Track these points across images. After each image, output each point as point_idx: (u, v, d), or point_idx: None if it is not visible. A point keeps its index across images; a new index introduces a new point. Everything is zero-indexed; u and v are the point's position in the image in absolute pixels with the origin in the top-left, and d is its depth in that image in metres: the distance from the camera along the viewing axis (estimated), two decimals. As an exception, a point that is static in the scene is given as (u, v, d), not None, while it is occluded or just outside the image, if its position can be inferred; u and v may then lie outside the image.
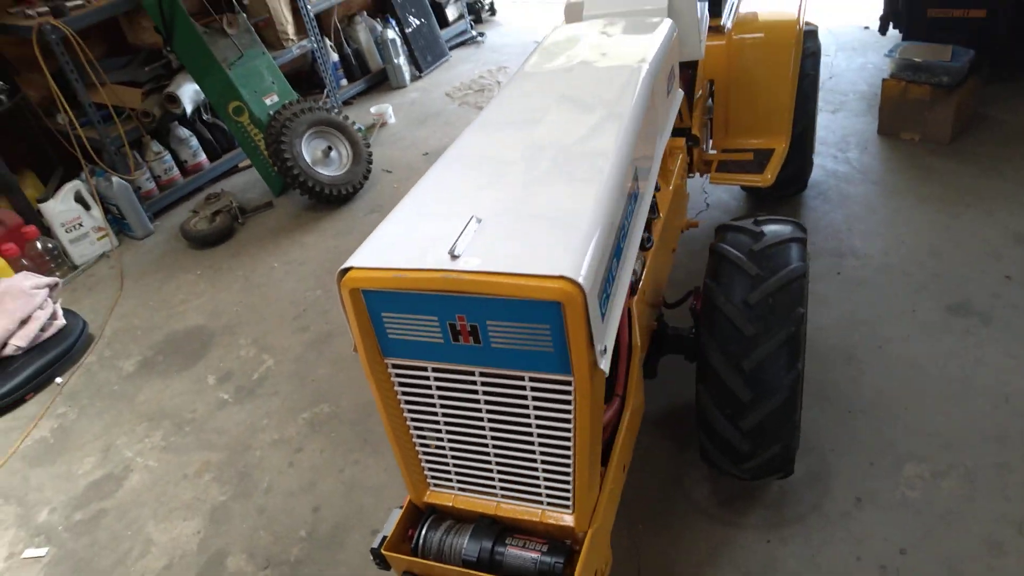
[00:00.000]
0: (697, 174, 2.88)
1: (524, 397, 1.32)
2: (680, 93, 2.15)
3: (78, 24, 3.90)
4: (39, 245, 3.96)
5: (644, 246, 1.87)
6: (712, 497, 2.16)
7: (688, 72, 2.54)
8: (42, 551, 2.45)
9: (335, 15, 5.49)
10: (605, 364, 1.25)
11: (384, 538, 1.51)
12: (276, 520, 2.36)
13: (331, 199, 4.13)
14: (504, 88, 1.87)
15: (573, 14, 2.41)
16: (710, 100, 2.86)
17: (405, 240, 1.33)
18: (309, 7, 5.05)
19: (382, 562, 1.50)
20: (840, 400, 2.37)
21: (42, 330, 3.28)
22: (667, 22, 2.04)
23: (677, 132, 2.59)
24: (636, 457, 2.28)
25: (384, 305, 1.29)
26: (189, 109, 4.43)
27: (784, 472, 1.95)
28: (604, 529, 1.52)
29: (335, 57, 5.54)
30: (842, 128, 3.91)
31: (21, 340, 3.21)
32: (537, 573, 1.41)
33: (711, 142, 2.96)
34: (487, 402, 1.36)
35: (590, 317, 1.18)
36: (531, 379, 1.29)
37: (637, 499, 2.18)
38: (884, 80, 3.65)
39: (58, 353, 3.28)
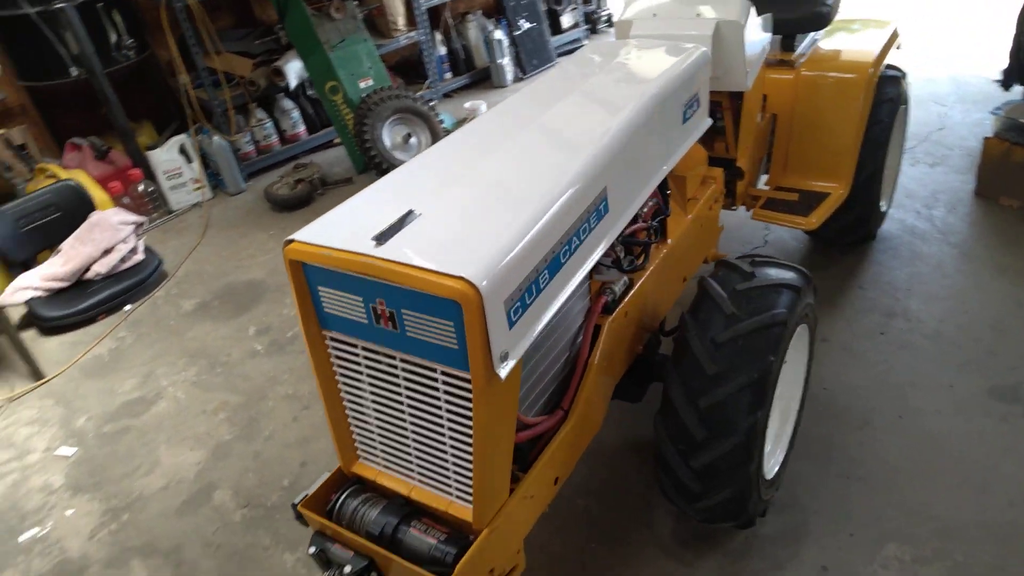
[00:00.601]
0: (743, 207, 2.79)
1: (437, 388, 1.36)
2: (705, 122, 2.09)
3: (197, -6, 4.26)
4: (140, 187, 4.36)
5: (624, 267, 1.85)
6: (675, 533, 2.10)
7: (736, 102, 2.47)
8: (71, 451, 2.73)
9: (447, 11, 5.67)
10: (503, 370, 1.27)
11: (305, 496, 1.59)
12: (267, 466, 2.51)
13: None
14: (511, 96, 1.91)
15: (622, 31, 2.40)
16: (771, 135, 2.77)
17: (348, 223, 1.39)
18: (422, 1, 5.25)
19: (299, 517, 1.58)
20: (841, 462, 2.23)
21: (122, 261, 3.63)
22: (699, 50, 2.00)
23: (717, 162, 2.53)
24: (608, 479, 2.27)
25: (320, 279, 1.37)
26: (293, 83, 4.73)
27: (739, 521, 1.88)
28: (509, 532, 1.52)
29: (443, 51, 5.73)
30: (936, 183, 3.65)
31: (102, 267, 3.56)
32: (429, 558, 1.44)
33: (766, 177, 2.85)
34: (407, 387, 1.41)
35: (488, 321, 1.21)
36: (442, 372, 1.32)
37: (601, 520, 2.15)
38: (986, 139, 3.38)
39: (131, 284, 3.61)
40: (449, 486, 1.48)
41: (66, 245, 3.61)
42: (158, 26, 4.48)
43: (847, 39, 2.84)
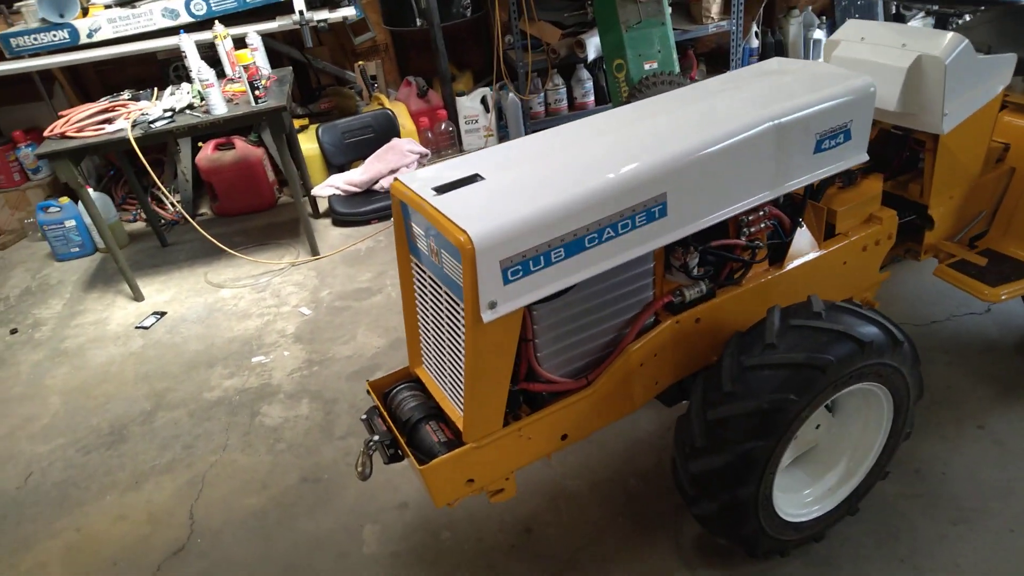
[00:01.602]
0: (931, 257, 2.51)
1: (455, 316, 1.69)
2: (856, 157, 1.98)
3: (532, -33, 4.83)
4: (443, 126, 5.19)
5: (694, 273, 1.93)
6: (698, 538, 2.15)
7: (934, 143, 2.25)
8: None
9: (762, 4, 5.53)
10: (487, 315, 1.54)
11: (378, 378, 2.05)
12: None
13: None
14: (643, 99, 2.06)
15: (829, 51, 2.34)
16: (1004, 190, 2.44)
17: (437, 175, 1.75)
18: (742, -8, 5.23)
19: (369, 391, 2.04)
20: (905, 547, 2.04)
21: (401, 182, 4.45)
22: (862, 80, 1.92)
23: (910, 206, 2.35)
24: (642, 476, 2.37)
25: (408, 214, 1.77)
26: (591, 56, 5.14)
27: (743, 546, 1.90)
28: (496, 456, 1.79)
29: (755, 44, 5.64)
30: None
31: (386, 183, 4.42)
32: (427, 451, 1.80)
33: (985, 236, 2.52)
34: (444, 312, 1.76)
35: (479, 271, 1.49)
36: (458, 303, 1.65)
37: (638, 499, 2.29)
38: None
39: (402, 202, 4.42)
40: (459, 401, 1.81)
41: (368, 160, 4.53)
42: (496, -10, 5.22)
43: None
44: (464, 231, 1.48)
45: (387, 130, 4.73)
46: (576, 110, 5.46)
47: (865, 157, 2.03)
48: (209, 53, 4.09)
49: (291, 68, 4.50)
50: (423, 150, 4.64)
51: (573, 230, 1.60)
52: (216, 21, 4.08)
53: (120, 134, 3.51)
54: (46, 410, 3.20)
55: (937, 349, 2.71)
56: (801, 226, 2.12)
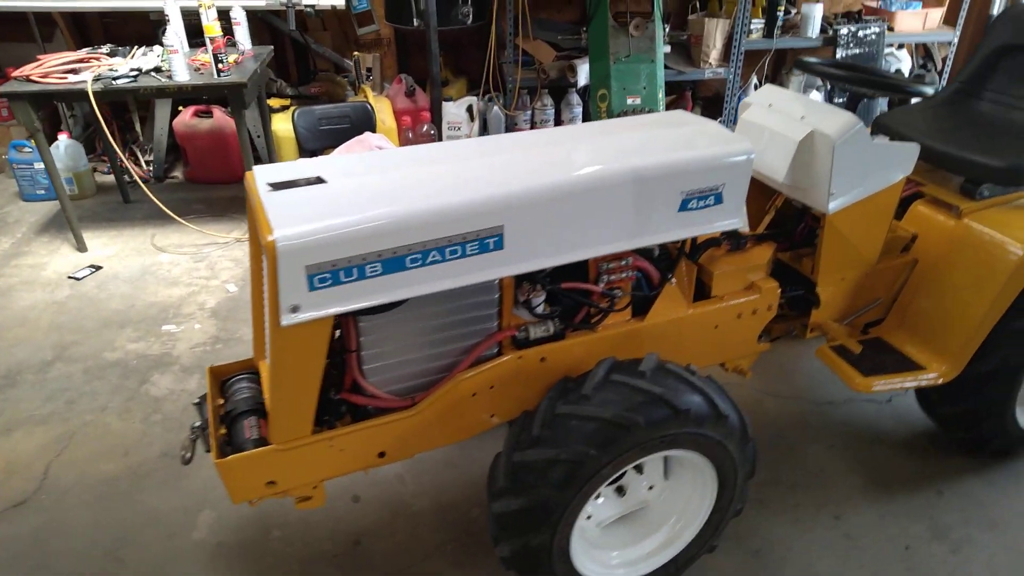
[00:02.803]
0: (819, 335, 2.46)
1: (275, 316, 1.68)
2: (727, 222, 1.94)
3: (532, -15, 4.85)
4: (424, 128, 5.20)
5: (536, 311, 1.91)
6: None
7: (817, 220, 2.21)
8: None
9: (768, 58, 5.49)
10: (286, 319, 1.53)
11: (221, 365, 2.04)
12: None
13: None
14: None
15: (742, 110, 2.31)
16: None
17: (289, 171, 1.72)
18: (743, 43, 5.20)
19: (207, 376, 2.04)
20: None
21: (363, 177, 4.46)
22: (741, 145, 1.88)
23: (791, 276, 2.31)
24: (486, 506, 2.34)
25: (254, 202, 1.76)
26: (581, 83, 5.12)
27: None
28: (302, 463, 1.77)
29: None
30: None
31: (348, 175, 4.43)
32: (237, 446, 1.78)
33: (880, 324, 2.46)
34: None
35: (280, 274, 1.48)
36: (272, 301, 1.64)
37: (460, 539, 2.26)
38: None
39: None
40: (275, 401, 1.80)
41: (337, 150, 4.54)
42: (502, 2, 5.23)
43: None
44: (272, 230, 1.47)
45: (363, 122, 4.73)
46: (561, 133, 5.44)
47: (739, 223, 1.99)
48: (194, 21, 4.13)
49: (272, 48, 4.54)
50: (391, 147, 4.64)
51: (392, 247, 1.58)
52: (204, -9, 4.11)
53: (80, 86, 3.56)
54: (-46, 343, 3.24)
55: (824, 431, 2.65)
56: (670, 282, 2.08)
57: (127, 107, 5.48)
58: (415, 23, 5.09)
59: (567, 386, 1.78)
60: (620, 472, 1.76)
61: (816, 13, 5.24)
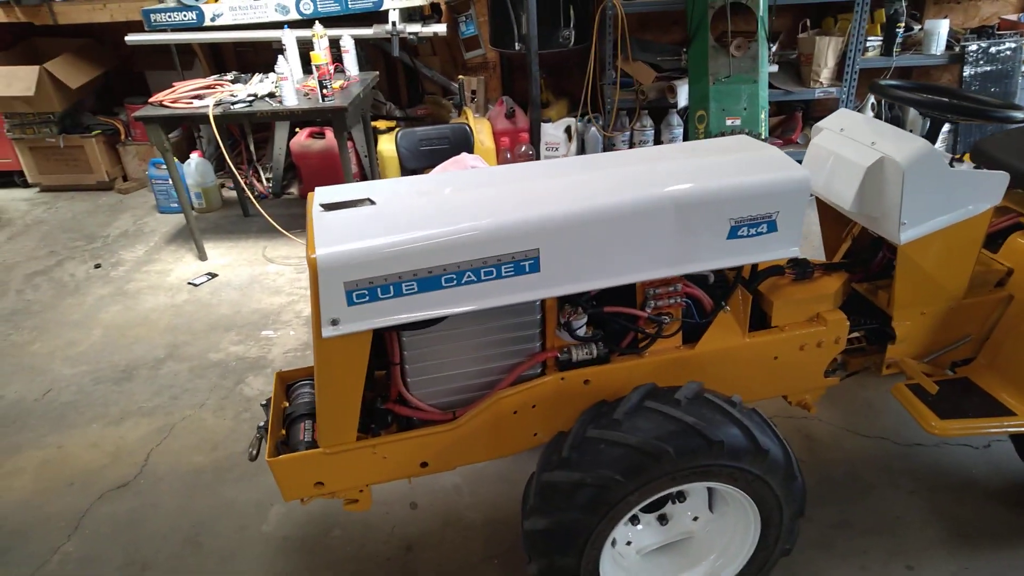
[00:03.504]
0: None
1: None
2: (784, 250, 1.86)
3: (631, 9, 4.85)
4: (523, 148, 5.30)
5: (577, 333, 1.92)
6: None
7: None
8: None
9: (887, 76, 5.18)
10: (327, 331, 1.64)
11: (289, 370, 2.20)
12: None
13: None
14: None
15: (815, 135, 2.23)
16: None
17: (338, 193, 1.86)
18: (857, 62, 4.96)
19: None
20: None
21: (458, 195, 4.61)
22: (796, 172, 1.82)
23: (867, 309, 2.20)
24: None
25: (310, 220, 1.90)
26: (681, 103, 5.06)
27: None
28: (346, 467, 1.87)
29: (870, 114, 5.30)
30: None
31: (443, 194, 4.59)
32: (292, 446, 1.91)
33: (970, 363, 2.28)
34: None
35: (321, 289, 1.59)
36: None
37: (504, 555, 2.28)
38: None
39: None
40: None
41: (435, 169, 4.73)
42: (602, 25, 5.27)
43: None
44: (315, 248, 1.59)
45: (461, 143, 4.89)
46: (660, 154, 5.39)
47: (796, 251, 1.92)
48: (309, 49, 4.45)
49: (377, 73, 4.79)
50: (486, 166, 4.77)
51: (428, 267, 1.66)
52: (317, 21, 4.43)
53: (203, 110, 3.92)
54: (87, 339, 3.64)
55: (906, 474, 2.47)
56: (724, 309, 2.03)
57: (257, 128, 5.97)
58: (517, 47, 5.22)
59: (601, 410, 1.78)
60: (649, 500, 1.73)
61: (941, 29, 4.90)
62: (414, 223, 1.68)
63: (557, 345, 1.97)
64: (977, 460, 2.51)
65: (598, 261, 1.79)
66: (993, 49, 4.83)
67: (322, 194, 1.86)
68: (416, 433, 1.90)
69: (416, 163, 4.94)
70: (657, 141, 5.38)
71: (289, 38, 4.29)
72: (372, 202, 1.79)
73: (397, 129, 5.12)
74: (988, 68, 4.88)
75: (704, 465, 1.67)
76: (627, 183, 1.82)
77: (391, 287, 1.66)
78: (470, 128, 4.95)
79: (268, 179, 5.56)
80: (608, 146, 5.31)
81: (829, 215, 2.33)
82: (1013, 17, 5.21)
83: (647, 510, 1.91)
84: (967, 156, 2.44)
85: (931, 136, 2.07)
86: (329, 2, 4.61)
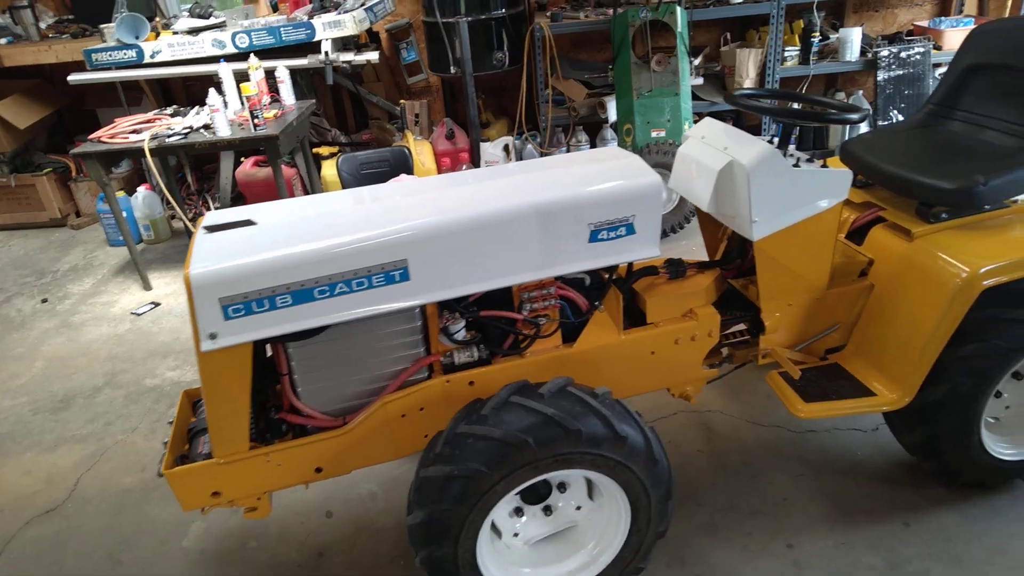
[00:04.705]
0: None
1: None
2: (645, 252, 2.01)
3: (559, 30, 5.05)
4: (464, 168, 5.45)
5: (455, 336, 2.05)
6: None
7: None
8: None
9: (806, 84, 5.40)
10: (205, 345, 1.75)
11: (196, 388, 2.30)
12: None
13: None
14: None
15: (683, 143, 2.39)
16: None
17: (223, 216, 1.99)
18: (777, 71, 5.17)
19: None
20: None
21: (397, 216, 4.74)
22: (648, 177, 1.97)
23: (737, 306, 2.35)
24: None
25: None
26: (611, 118, 5.24)
27: None
28: (242, 476, 1.98)
29: (795, 123, 5.50)
30: None
31: (382, 215, 4.73)
32: (191, 459, 2.02)
33: (843, 348, 2.43)
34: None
35: (196, 305, 1.71)
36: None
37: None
38: None
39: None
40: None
41: (374, 191, 4.86)
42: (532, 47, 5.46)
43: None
44: (190, 267, 1.71)
45: (401, 166, 5.02)
46: (597, 168, 5.56)
47: (655, 253, 2.06)
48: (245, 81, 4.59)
49: (314, 101, 4.92)
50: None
51: (300, 280, 1.79)
52: (252, 54, 4.57)
53: (138, 144, 4.04)
54: (28, 371, 3.72)
55: (796, 459, 2.61)
56: (599, 309, 2.17)
57: (207, 159, 6.10)
58: (452, 70, 5.39)
59: (474, 407, 1.91)
60: (518, 489, 1.85)
61: (854, 36, 5.13)
62: (289, 240, 1.81)
63: (441, 350, 2.09)
64: (863, 443, 2.66)
65: (466, 268, 1.92)
66: (904, 54, 5.06)
67: (209, 218, 1.98)
68: (307, 440, 2.01)
69: (358, 186, 5.06)
70: (594, 155, 5.55)
71: (226, 71, 4.43)
72: (253, 223, 1.91)
73: (340, 154, 5.27)
74: (900, 72, 5.11)
75: (564, 453, 1.80)
76: (493, 194, 1.96)
77: (266, 300, 1.78)
78: (409, 150, 5.10)
79: (217, 207, 5.66)
80: (546, 162, 5.47)
81: (706, 217, 2.48)
82: (924, 23, 5.46)
83: (532, 502, 2.03)
84: (836, 159, 2.62)
85: (783, 139, 2.23)
86: (264, 35, 4.75)
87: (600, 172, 2.03)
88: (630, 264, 2.24)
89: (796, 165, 2.12)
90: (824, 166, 2.17)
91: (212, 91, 4.10)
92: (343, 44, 4.99)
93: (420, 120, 5.96)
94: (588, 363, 2.18)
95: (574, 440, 1.78)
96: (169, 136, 4.10)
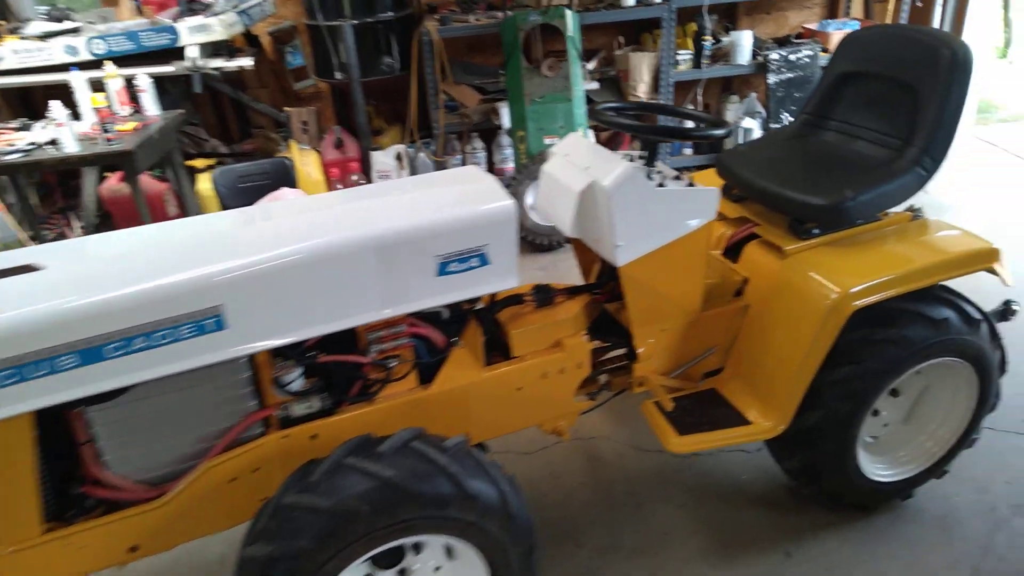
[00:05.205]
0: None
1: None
2: (502, 282, 1.84)
3: (448, 33, 4.85)
4: (354, 178, 5.19)
5: (288, 386, 1.83)
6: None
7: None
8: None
9: (698, 88, 5.38)
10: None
11: None
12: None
13: (529, 242, 4.37)
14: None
15: (543, 159, 2.23)
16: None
17: (19, 257, 1.71)
18: (671, 75, 5.12)
19: None
20: None
21: (278, 233, 4.44)
22: (499, 203, 1.80)
23: (608, 334, 2.20)
24: None
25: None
26: (505, 124, 5.08)
27: None
28: (38, 564, 1.69)
29: (689, 125, 5.48)
30: None
31: (262, 232, 4.42)
32: None
33: (721, 373, 2.32)
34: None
35: None
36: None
37: None
38: None
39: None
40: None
41: (254, 206, 4.55)
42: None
43: (896, 246, 2.14)
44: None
45: (281, 178, 4.73)
46: (495, 175, 5.39)
47: (512, 283, 1.89)
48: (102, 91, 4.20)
49: (182, 112, 4.55)
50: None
51: (86, 338, 1.52)
52: (110, 61, 4.18)
53: (-28, 162, 3.61)
54: None
55: (678, 486, 2.50)
56: (456, 345, 1.98)
57: (73, 174, 5.61)
58: (337, 76, 5.12)
59: (305, 470, 1.68)
60: (354, 564, 1.64)
61: (745, 40, 5.13)
62: (74, 289, 1.54)
63: (276, 401, 1.86)
64: (747, 464, 2.57)
65: (295, 311, 1.70)
66: (793, 57, 5.09)
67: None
68: (116, 516, 1.74)
69: (236, 201, 4.74)
70: (489, 162, 5.38)
71: (78, 80, 4.03)
72: (35, 269, 1.63)
73: (217, 166, 4.92)
74: (790, 75, 5.14)
75: (406, 520, 1.60)
76: (325, 226, 1.75)
77: (45, 363, 1.51)
78: (290, 161, 4.80)
79: (82, 227, 5.20)
80: (438, 169, 5.26)
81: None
82: (813, 25, 5.53)
83: (385, 567, 1.82)
84: (712, 171, 2.51)
85: (650, 156, 2.09)
86: (122, 40, 4.36)
87: (448, 198, 1.85)
88: (493, 292, 2.07)
89: (662, 184, 1.98)
90: (691, 183, 2.04)
91: (57, 103, 3.71)
92: (214, 49, 4.64)
93: (309, 128, 5.64)
94: (448, 405, 1.99)
95: (417, 504, 1.59)
96: (8, 153, 3.68)
